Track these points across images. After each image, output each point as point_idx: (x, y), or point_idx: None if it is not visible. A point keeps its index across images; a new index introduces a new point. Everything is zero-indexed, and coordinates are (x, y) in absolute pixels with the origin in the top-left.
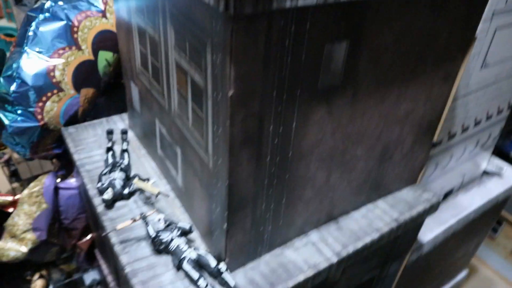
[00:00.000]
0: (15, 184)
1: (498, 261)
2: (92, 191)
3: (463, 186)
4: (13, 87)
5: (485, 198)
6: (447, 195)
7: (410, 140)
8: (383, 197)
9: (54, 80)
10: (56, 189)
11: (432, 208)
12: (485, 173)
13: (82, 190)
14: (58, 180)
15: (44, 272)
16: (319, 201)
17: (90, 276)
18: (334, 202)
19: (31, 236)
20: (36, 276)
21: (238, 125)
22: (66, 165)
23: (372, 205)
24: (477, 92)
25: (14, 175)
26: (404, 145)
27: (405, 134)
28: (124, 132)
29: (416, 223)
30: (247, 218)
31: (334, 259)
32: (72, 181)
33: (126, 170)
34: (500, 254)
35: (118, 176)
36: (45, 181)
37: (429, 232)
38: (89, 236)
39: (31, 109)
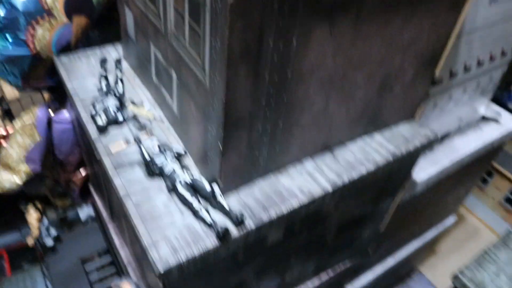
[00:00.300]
0: (8, 123)
1: (485, 211)
2: (85, 118)
3: (460, 129)
4: (2, 13)
5: (481, 142)
6: (443, 138)
7: (411, 72)
8: (380, 130)
9: (45, 6)
10: (50, 122)
11: (429, 144)
12: (483, 118)
13: (75, 120)
14: (51, 113)
15: (38, 205)
16: (316, 128)
17: (84, 212)
18: (331, 131)
19: (25, 168)
20: (31, 207)
21: (237, 37)
22: (59, 97)
23: (368, 137)
24: (483, 30)
25: (6, 114)
26: (405, 76)
27: (406, 65)
28: (118, 61)
29: (412, 158)
30: (243, 139)
31: (329, 188)
32: (65, 115)
33: (120, 97)
34: (489, 204)
35: (111, 103)
36: (38, 114)
37: (423, 173)
38: (83, 172)
39: (21, 37)
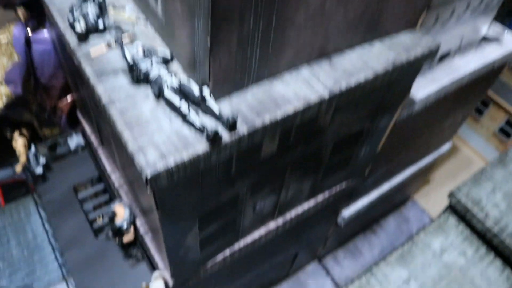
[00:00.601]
0: None
1: (479, 142)
2: (63, 27)
3: (460, 49)
4: None
5: (481, 62)
6: (443, 57)
7: None
8: (380, 38)
9: None
10: (28, 42)
11: (431, 54)
12: (484, 39)
13: (55, 38)
14: (29, 32)
15: (24, 131)
16: (312, 30)
17: (74, 141)
18: (328, 35)
19: (5, 90)
20: (17, 134)
21: None
22: (36, 16)
23: (368, 45)
24: None
25: None
26: None
27: None
28: None
29: (412, 68)
30: (233, 35)
31: (326, 95)
32: (45, 35)
33: (100, 4)
34: (483, 135)
35: (91, 9)
36: (14, 32)
37: (422, 91)
38: (70, 98)
39: None
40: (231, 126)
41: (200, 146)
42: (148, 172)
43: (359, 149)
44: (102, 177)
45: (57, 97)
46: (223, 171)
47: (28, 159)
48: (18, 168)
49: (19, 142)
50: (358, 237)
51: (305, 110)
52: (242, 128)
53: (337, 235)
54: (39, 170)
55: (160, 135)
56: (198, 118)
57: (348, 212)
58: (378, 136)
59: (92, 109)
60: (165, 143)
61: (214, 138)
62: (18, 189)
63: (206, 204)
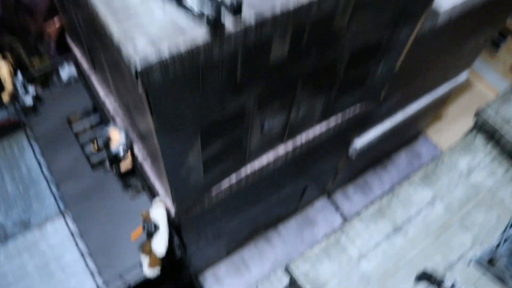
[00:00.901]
0: None
1: (495, 77)
2: None
3: None
4: None
5: None
6: None
7: None
8: None
9: None
10: None
11: None
12: None
13: None
14: None
15: (8, 56)
16: None
17: (66, 72)
18: None
19: None
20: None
21: None
22: None
23: None
24: None
25: None
26: None
27: None
28: None
29: None
30: None
31: None
32: None
33: None
34: (499, 70)
35: None
36: None
37: (448, 1)
38: (57, 22)
39: None
40: (236, 9)
41: (199, 33)
42: (137, 61)
43: (377, 65)
44: (96, 106)
45: (42, 20)
46: (227, 73)
47: (16, 89)
48: (5, 97)
49: (3, 69)
50: (368, 173)
51: (321, 2)
52: (249, 14)
53: (348, 168)
54: (28, 101)
55: (152, 24)
56: (196, 1)
57: (360, 142)
58: (397, 51)
59: (80, 26)
60: (157, 32)
61: (215, 24)
62: (12, 130)
63: (209, 114)
